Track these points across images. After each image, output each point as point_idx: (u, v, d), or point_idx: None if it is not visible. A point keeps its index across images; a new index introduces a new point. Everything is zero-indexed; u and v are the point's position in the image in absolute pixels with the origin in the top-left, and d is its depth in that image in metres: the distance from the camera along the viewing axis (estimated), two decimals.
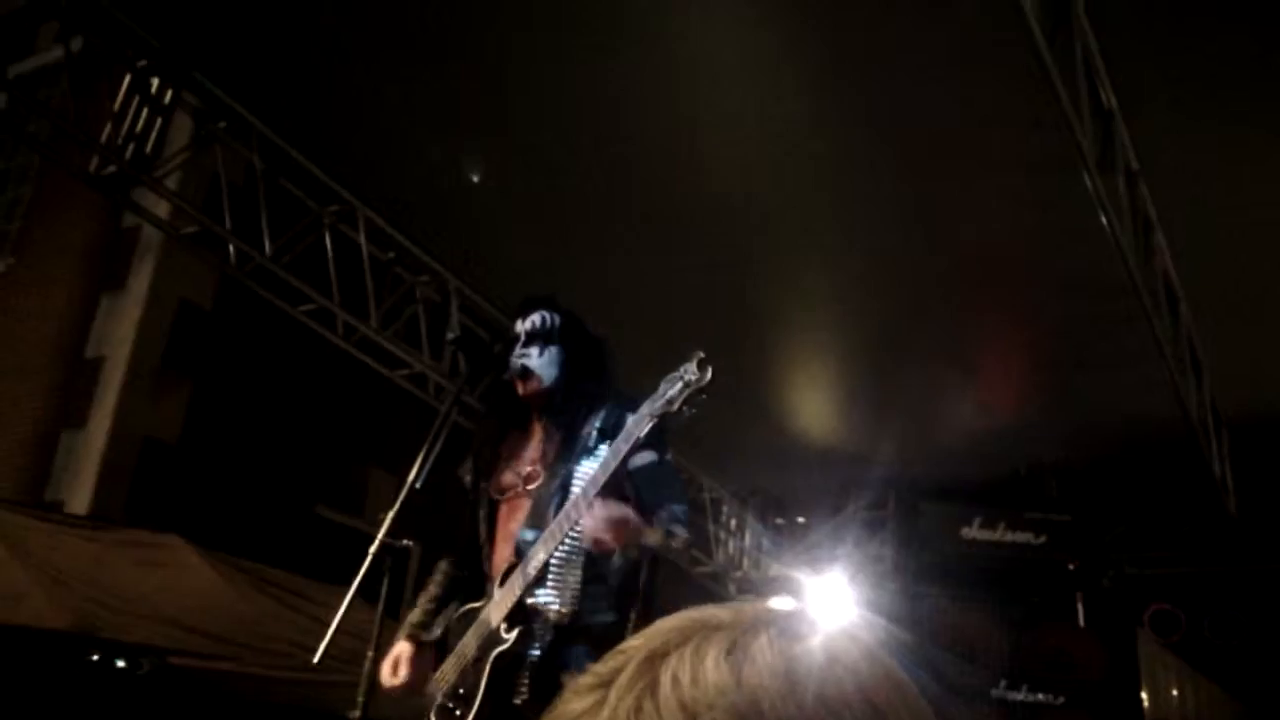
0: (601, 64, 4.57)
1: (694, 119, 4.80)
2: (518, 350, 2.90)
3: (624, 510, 2.53)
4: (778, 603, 0.62)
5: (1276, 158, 4.72)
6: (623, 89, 4.68)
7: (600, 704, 0.56)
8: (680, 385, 2.46)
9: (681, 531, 2.70)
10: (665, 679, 0.55)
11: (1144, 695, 7.30)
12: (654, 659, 0.57)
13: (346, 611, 2.52)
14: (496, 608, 2.68)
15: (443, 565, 3.01)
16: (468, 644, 2.72)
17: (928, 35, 4.24)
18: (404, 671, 2.78)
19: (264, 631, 5.17)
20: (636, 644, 0.60)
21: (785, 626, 0.59)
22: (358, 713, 2.47)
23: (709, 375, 2.45)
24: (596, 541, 2.52)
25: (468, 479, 2.97)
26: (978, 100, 4.48)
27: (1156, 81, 4.43)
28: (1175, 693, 8.13)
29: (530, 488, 2.82)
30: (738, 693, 0.54)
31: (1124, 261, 4.66)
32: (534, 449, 2.90)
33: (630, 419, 2.54)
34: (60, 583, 4.67)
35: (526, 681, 2.63)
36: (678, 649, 0.57)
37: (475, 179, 4.98)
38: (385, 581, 2.48)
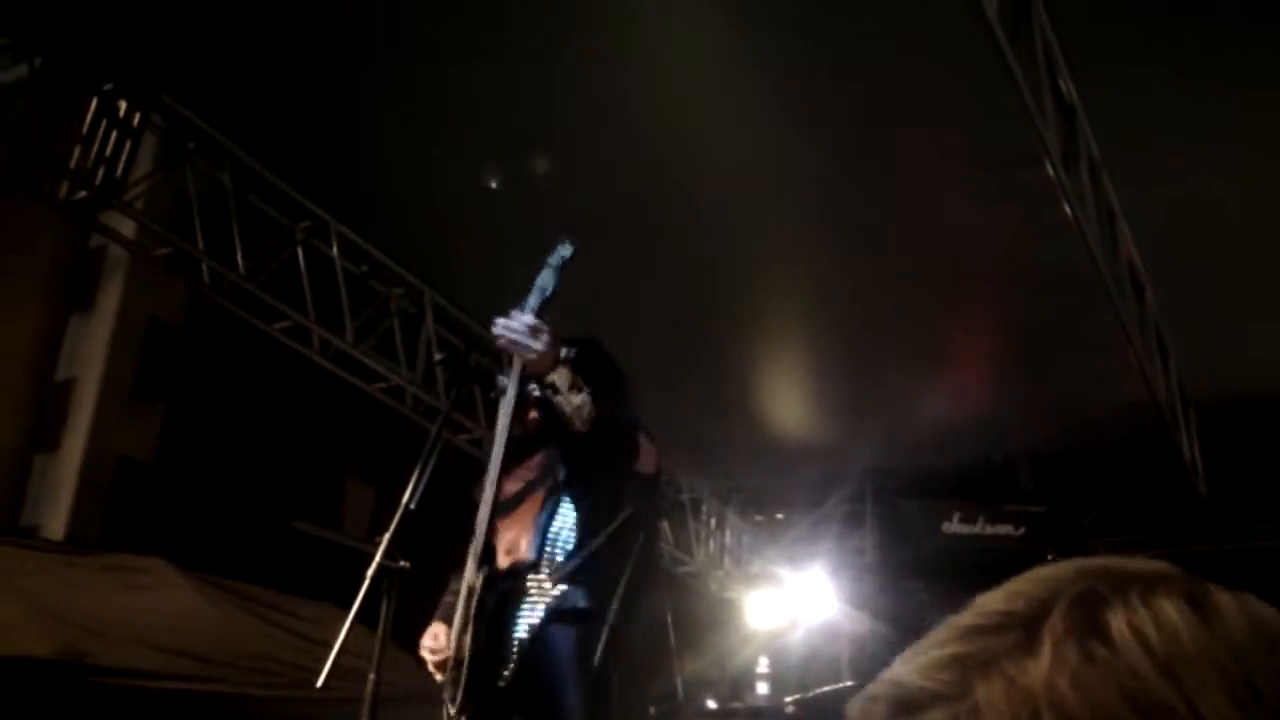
0: (578, 78, 4.61)
1: (667, 129, 4.84)
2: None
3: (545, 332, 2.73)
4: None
5: (1230, 143, 4.82)
6: (598, 101, 4.72)
7: (1030, 643, 0.54)
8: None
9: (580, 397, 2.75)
10: (1118, 624, 0.54)
11: None
12: (1087, 602, 0.55)
13: (335, 628, 2.54)
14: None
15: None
16: (478, 627, 2.79)
17: (890, 35, 4.29)
18: (444, 640, 2.83)
19: (251, 650, 5.16)
20: (1038, 587, 0.58)
21: (1198, 583, 0.58)
22: None
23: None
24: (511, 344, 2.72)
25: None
26: (941, 98, 4.54)
27: (1116, 74, 4.50)
28: None
29: (531, 479, 2.91)
30: (1213, 643, 0.53)
31: (1090, 252, 4.73)
32: (536, 461, 2.98)
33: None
34: (43, 610, 4.64)
35: (513, 664, 2.72)
36: (1116, 595, 0.55)
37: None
38: (384, 603, 2.50)
